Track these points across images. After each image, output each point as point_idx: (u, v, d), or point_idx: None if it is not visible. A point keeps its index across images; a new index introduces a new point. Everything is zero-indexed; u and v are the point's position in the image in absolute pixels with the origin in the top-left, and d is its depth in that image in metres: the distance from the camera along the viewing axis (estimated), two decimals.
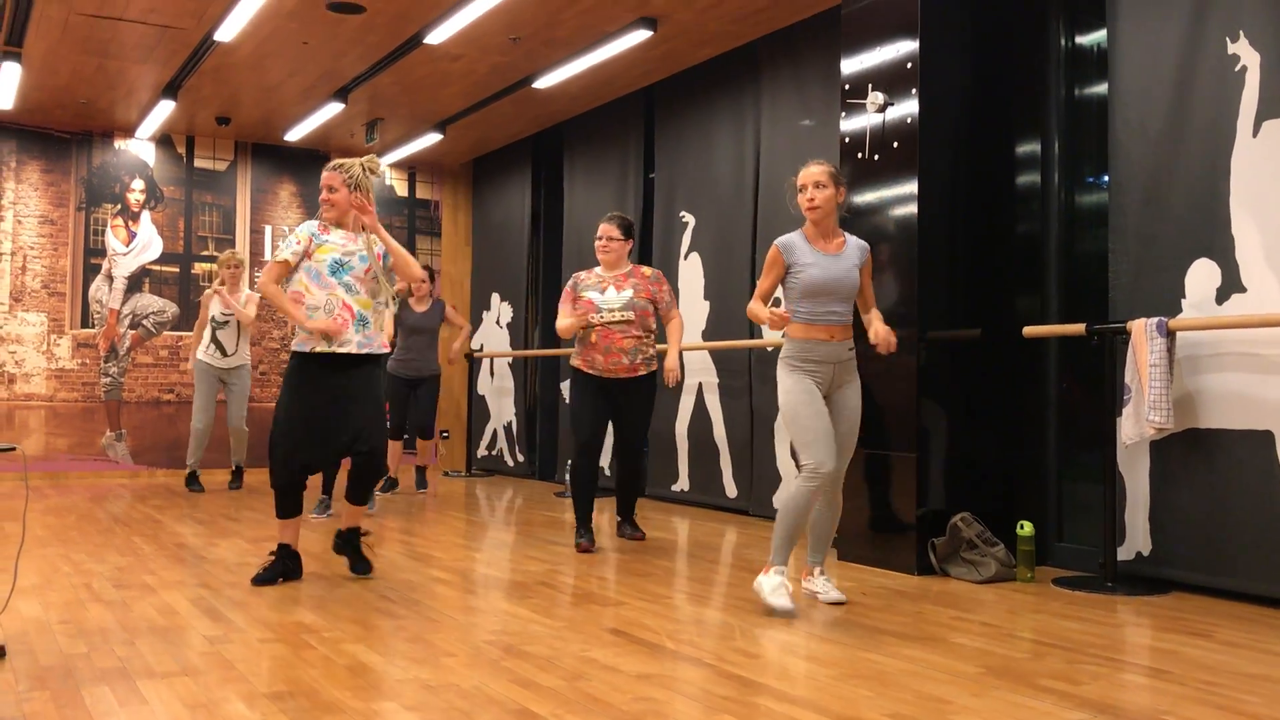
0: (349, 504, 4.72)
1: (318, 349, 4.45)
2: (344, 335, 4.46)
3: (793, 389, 4.09)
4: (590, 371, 5.56)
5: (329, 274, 4.48)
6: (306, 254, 4.51)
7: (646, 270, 5.69)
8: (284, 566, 4.57)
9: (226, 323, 8.03)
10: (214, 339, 8.03)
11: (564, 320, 5.59)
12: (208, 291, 8.16)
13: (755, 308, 4.13)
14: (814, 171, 4.16)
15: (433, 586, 4.52)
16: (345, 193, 4.52)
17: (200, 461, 8.28)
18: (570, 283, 5.69)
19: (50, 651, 3.37)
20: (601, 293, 5.55)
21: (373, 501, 7.20)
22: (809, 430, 4.02)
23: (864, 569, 5.00)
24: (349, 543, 4.73)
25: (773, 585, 4.01)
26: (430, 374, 7.85)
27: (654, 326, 5.63)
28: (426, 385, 7.86)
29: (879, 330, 4.18)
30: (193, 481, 8.26)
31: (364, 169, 4.56)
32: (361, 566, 4.70)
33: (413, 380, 7.76)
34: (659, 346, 5.69)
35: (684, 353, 5.82)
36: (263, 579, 4.51)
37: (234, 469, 8.51)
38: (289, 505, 4.55)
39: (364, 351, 4.50)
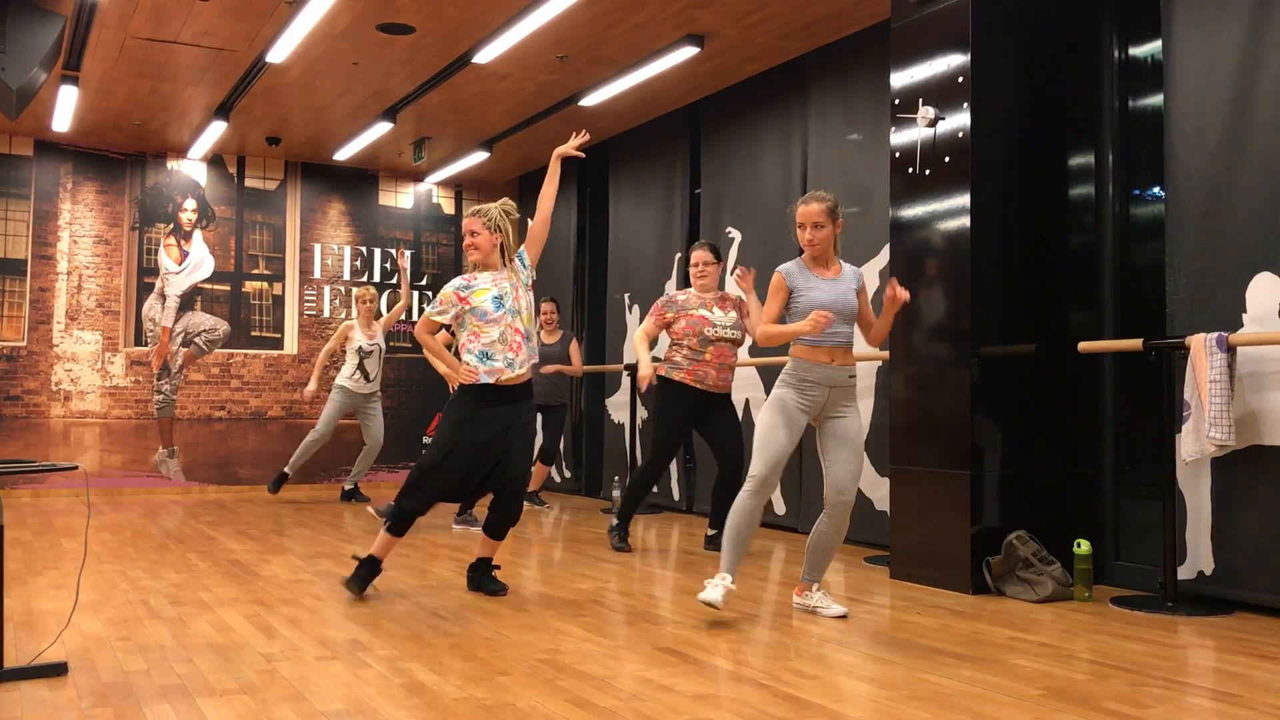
0: (490, 539, 4.79)
1: (500, 380, 4.54)
2: (519, 358, 4.58)
3: (775, 405, 4.21)
4: (696, 386, 5.83)
5: (494, 310, 4.57)
6: (461, 312, 4.61)
7: (731, 295, 6.03)
8: (370, 576, 4.67)
9: (372, 351, 8.54)
10: (360, 366, 8.49)
11: (647, 324, 5.97)
12: (346, 324, 8.61)
13: (777, 328, 4.20)
14: (813, 210, 4.25)
15: (484, 604, 4.52)
16: (487, 235, 4.64)
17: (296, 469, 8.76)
18: (664, 299, 5.99)
19: (111, 668, 3.40)
20: (710, 311, 5.84)
21: (538, 498, 8.47)
22: (767, 445, 4.19)
23: (918, 588, 4.95)
24: (483, 572, 4.81)
25: (709, 584, 4.14)
26: (558, 402, 8.21)
27: None
28: (555, 413, 8.21)
29: (889, 296, 4.23)
30: (278, 484, 8.62)
31: (501, 212, 4.70)
32: (495, 587, 4.75)
33: (540, 407, 8.03)
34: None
35: (734, 368, 6.06)
36: (354, 584, 4.64)
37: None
38: (405, 528, 4.67)
39: (533, 361, 4.64)
